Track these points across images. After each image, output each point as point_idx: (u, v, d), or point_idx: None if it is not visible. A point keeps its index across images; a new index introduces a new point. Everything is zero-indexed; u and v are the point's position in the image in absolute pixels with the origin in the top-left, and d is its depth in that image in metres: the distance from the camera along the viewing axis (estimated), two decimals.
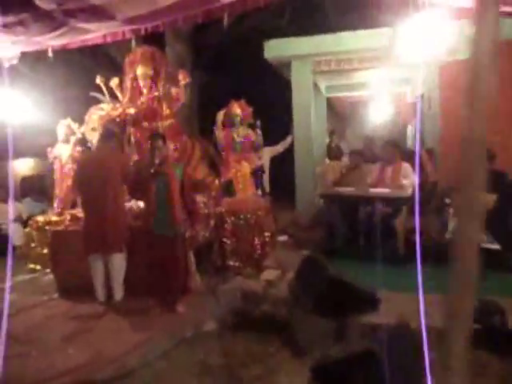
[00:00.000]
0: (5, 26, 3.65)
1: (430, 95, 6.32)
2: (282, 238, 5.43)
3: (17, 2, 3.11)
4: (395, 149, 5.26)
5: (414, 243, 4.29)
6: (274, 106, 6.74)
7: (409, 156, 5.28)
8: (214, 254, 4.79)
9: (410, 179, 4.87)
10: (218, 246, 4.79)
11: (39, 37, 4.00)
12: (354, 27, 6.11)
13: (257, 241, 4.76)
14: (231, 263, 4.72)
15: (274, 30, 6.82)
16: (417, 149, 4.62)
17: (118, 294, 4.13)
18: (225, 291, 4.03)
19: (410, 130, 9.57)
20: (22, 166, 9.73)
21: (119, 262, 4.08)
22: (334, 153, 7.99)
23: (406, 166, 5.04)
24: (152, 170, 3.63)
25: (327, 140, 8.94)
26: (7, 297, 2.70)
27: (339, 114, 11.09)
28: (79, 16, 3.66)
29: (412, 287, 3.84)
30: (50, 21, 3.68)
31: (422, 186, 4.98)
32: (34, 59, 5.87)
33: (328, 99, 8.98)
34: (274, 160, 6.22)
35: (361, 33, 5.93)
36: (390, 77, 7.46)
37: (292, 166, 6.71)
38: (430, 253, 4.43)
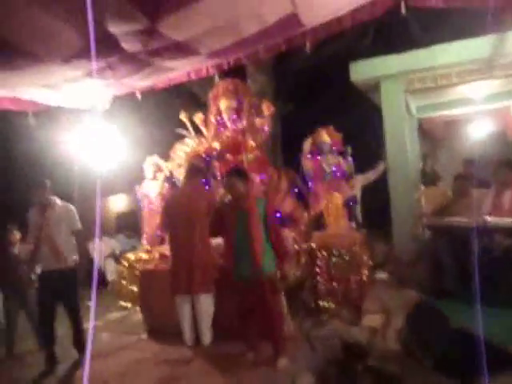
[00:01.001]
0: (96, 70, 3.79)
1: None
2: (381, 275, 5.01)
3: (104, 46, 3.17)
4: None
5: None
6: (362, 132, 6.38)
7: None
8: (306, 293, 4.52)
9: None
10: (309, 285, 4.53)
11: (127, 78, 4.12)
12: (442, 40, 5.63)
13: (353, 279, 4.44)
14: (325, 304, 4.42)
15: (358, 52, 6.49)
16: None
17: (207, 337, 3.96)
18: (321, 338, 3.68)
19: None
20: (117, 203, 10.18)
21: (207, 302, 3.95)
22: (429, 178, 7.33)
23: None
24: (227, 206, 3.47)
25: (421, 165, 8.25)
26: (90, 339, 2.67)
27: (432, 135, 10.29)
28: (164, 54, 3.71)
29: None
30: (137, 62, 3.78)
31: None
32: (123, 102, 6.08)
33: (419, 120, 8.34)
34: (365, 189, 5.84)
35: (457, 44, 5.43)
36: (491, 90, 6.71)
37: (385, 195, 6.18)
38: None
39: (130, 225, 8.14)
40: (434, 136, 10.26)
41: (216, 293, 3.99)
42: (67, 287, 4.14)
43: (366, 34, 7.68)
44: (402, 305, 3.87)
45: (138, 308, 4.86)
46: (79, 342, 4.22)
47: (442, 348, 2.69)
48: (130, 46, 3.31)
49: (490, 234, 4.12)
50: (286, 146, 7.25)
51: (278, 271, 3.50)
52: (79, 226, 4.27)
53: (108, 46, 3.19)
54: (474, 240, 4.22)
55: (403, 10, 3.21)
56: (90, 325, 3.98)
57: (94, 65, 3.67)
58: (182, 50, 3.60)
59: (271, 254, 3.43)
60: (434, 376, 2.70)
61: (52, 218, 4.10)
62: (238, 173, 3.53)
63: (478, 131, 8.66)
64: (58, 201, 4.22)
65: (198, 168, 4.45)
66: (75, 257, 4.17)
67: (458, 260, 4.31)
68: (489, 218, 4.19)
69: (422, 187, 6.91)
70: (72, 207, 4.26)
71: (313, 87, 8.86)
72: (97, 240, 7.19)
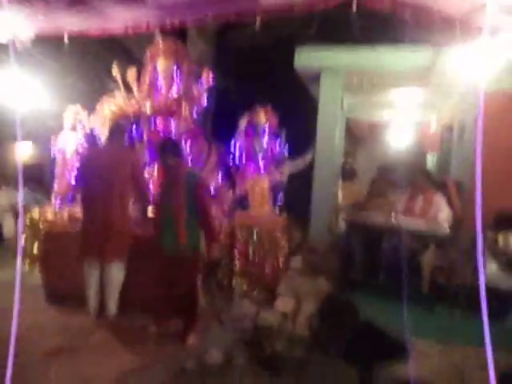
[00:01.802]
0: None
1: (465, 124, 5.96)
2: (296, 262, 5.02)
3: None
4: (427, 177, 4.87)
5: (440, 284, 3.91)
6: (297, 121, 6.39)
7: (437, 186, 4.97)
8: (221, 271, 4.47)
9: (445, 213, 4.50)
10: (225, 263, 4.48)
11: (55, 13, 3.67)
12: (388, 43, 5.75)
13: (270, 262, 4.47)
14: (239, 284, 4.42)
15: (302, 41, 6.48)
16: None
17: (112, 307, 3.80)
18: (232, 318, 3.69)
19: (430, 159, 9.23)
20: (22, 152, 9.25)
21: (118, 271, 3.79)
22: (347, 174, 7.66)
23: (439, 196, 4.66)
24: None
25: (341, 161, 8.59)
26: None
27: (355, 134, 10.79)
28: None
29: (440, 333, 3.59)
30: None
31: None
32: (46, 44, 5.48)
33: (347, 118, 8.64)
34: (290, 176, 5.76)
35: (403, 48, 5.57)
36: (417, 100, 7.12)
37: (306, 185, 6.33)
38: (457, 296, 4.17)
39: (35, 178, 7.44)
40: (356, 135, 10.76)
41: (127, 262, 3.84)
42: None
43: (312, 23, 7.68)
44: (313, 293, 4.02)
45: (36, 270, 4.57)
46: None
47: (347, 338, 2.78)
48: None
49: (400, 235, 4.35)
50: (217, 121, 7.12)
51: (203, 249, 3.44)
52: None
53: None
54: (385, 238, 4.52)
55: (354, 8, 3.19)
56: None
57: None
58: None
59: (198, 230, 3.37)
60: (338, 364, 2.82)
61: None
62: (170, 148, 3.42)
63: (398, 138, 9.19)
64: None
65: (123, 128, 4.20)
66: None
67: (368, 255, 4.53)
68: (402, 218, 4.43)
69: (340, 182, 7.21)
70: None
71: (253, 67, 8.70)
72: None
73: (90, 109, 4.90)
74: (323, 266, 4.79)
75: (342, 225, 5.80)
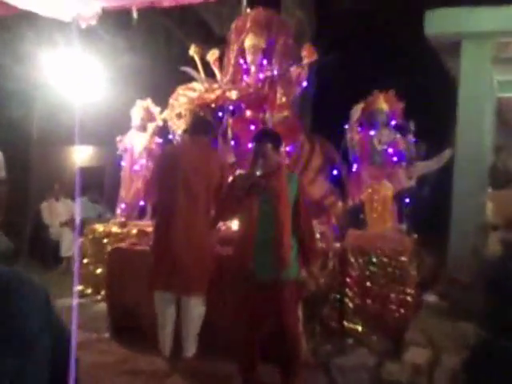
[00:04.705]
0: None
1: None
2: (430, 297, 4.94)
3: None
4: None
5: None
6: (429, 107, 6.21)
7: None
8: (328, 309, 4.48)
9: None
10: (334, 298, 4.50)
11: None
12: None
13: (394, 298, 4.41)
14: (353, 326, 4.39)
15: (430, 2, 6.27)
16: None
17: (190, 349, 3.86)
18: (345, 369, 3.67)
19: None
20: (83, 156, 10.01)
21: (198, 306, 3.85)
22: (500, 178, 7.18)
23: None
24: (251, 181, 3.33)
25: (492, 160, 8.09)
26: None
27: (510, 123, 10.12)
28: None
29: None
30: None
31: None
32: (112, 21, 5.85)
33: (499, 101, 8.15)
34: (420, 181, 5.71)
35: None
36: None
37: (443, 192, 6.11)
38: None
39: (97, 185, 8.01)
40: None
41: (210, 293, 3.90)
42: None
43: None
44: (456, 340, 3.87)
45: (101, 297, 4.88)
46: None
47: None
48: None
49: None
50: (321, 110, 7.08)
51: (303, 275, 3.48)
52: (1, 174, 4.20)
53: None
54: None
55: None
56: None
57: None
58: None
59: (296, 251, 3.40)
60: None
61: None
62: (271, 137, 3.42)
63: None
64: None
65: (206, 121, 4.34)
66: None
67: None
68: None
69: (490, 189, 6.80)
70: None
71: (367, 40, 8.51)
72: (52, 200, 7.25)
73: (163, 102, 5.16)
74: (468, 303, 4.41)
75: (493, 247, 5.44)
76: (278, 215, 3.29)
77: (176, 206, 3.81)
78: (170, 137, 5.04)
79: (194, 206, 3.81)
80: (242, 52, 5.11)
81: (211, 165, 3.91)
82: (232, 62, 5.17)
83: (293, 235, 3.35)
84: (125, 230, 4.97)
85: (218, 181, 3.84)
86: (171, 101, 5.08)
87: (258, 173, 3.30)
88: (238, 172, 4.16)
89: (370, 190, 4.75)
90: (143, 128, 5.29)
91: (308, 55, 4.92)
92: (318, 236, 4.37)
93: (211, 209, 3.85)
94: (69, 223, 7.46)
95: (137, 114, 5.30)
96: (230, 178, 3.89)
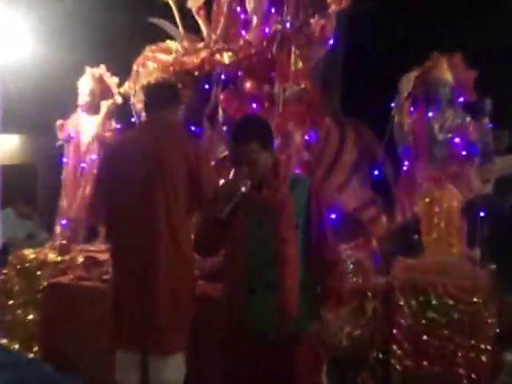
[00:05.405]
0: None
1: None
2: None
3: None
4: None
5: None
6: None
7: None
8: (367, 374, 3.86)
9: None
10: (375, 358, 3.88)
11: None
12: None
13: (462, 358, 3.78)
14: None
15: None
16: None
17: None
18: None
19: None
20: (6, 149, 9.21)
21: (173, 368, 3.34)
22: None
23: None
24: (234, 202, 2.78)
25: None
26: None
27: None
28: None
29: None
30: None
31: None
32: None
33: None
34: (501, 186, 5.28)
35: None
36: None
37: None
38: None
39: (26, 192, 7.16)
40: None
41: (191, 350, 3.46)
42: None
43: None
44: None
45: (33, 354, 4.41)
46: None
47: None
48: None
49: None
50: (354, 81, 6.36)
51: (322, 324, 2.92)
52: None
53: None
54: None
55: None
56: None
57: None
58: None
59: (311, 293, 2.86)
60: None
61: None
62: (256, 130, 2.83)
63: None
64: None
65: (172, 88, 3.77)
66: None
67: None
68: None
69: None
70: None
71: None
72: None
73: (123, 69, 4.81)
74: None
75: None
76: (279, 243, 2.73)
77: (133, 228, 3.32)
78: (135, 120, 4.58)
79: (161, 227, 3.27)
80: None
81: (177, 157, 3.33)
82: (224, 10, 4.68)
83: (305, 269, 2.82)
84: (67, 258, 4.51)
85: (193, 185, 3.31)
86: (135, 67, 4.68)
87: (243, 189, 2.68)
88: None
89: (427, 200, 4.23)
90: (94, 108, 4.92)
91: (336, 1, 4.37)
92: (350, 267, 4.03)
93: (187, 224, 3.44)
94: None
95: (85, 87, 4.88)
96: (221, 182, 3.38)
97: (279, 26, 4.42)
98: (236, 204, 2.69)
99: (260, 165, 2.78)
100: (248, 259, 2.81)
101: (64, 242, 4.75)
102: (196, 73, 4.56)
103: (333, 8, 4.35)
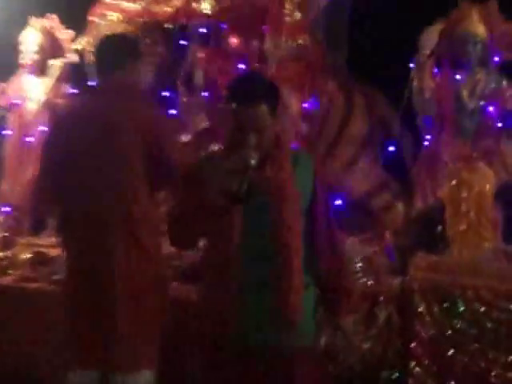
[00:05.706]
0: None
1: None
2: None
3: None
4: None
5: None
6: None
7: None
8: None
9: None
10: (390, 376, 3.71)
11: None
12: None
13: (498, 377, 3.60)
14: None
15: None
16: None
17: None
18: None
19: None
20: None
21: None
22: None
23: None
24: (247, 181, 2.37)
25: None
26: None
27: None
28: None
29: None
30: None
31: None
32: None
33: None
34: None
35: None
36: None
37: None
38: None
39: None
40: None
41: (165, 364, 3.09)
42: None
43: None
44: None
45: None
46: None
47: None
48: None
49: None
50: (364, 35, 5.66)
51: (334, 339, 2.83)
52: None
53: None
54: None
55: None
56: None
57: None
58: None
59: (312, 293, 2.61)
60: None
61: None
62: (265, 90, 2.50)
63: None
64: None
65: (135, 46, 3.41)
66: None
67: None
68: None
69: None
70: None
71: None
72: None
73: (78, 20, 4.65)
74: None
75: None
76: (283, 232, 2.46)
77: (86, 218, 3.02)
78: (91, 83, 4.15)
79: (115, 216, 2.98)
80: None
81: (134, 132, 3.00)
82: None
83: (308, 266, 2.53)
84: (9, 254, 4.24)
85: (156, 163, 3.01)
86: (91, 18, 4.47)
87: (252, 162, 2.33)
88: (210, 150, 3.60)
89: (454, 182, 3.92)
90: (43, 68, 4.69)
91: None
92: (358, 265, 3.87)
93: (153, 217, 3.11)
94: None
95: (31, 43, 4.60)
96: (193, 161, 3.01)
97: None
98: (249, 181, 2.30)
99: (267, 134, 2.46)
100: (239, 252, 2.44)
101: (5, 234, 4.55)
102: (169, 25, 4.42)
103: None
